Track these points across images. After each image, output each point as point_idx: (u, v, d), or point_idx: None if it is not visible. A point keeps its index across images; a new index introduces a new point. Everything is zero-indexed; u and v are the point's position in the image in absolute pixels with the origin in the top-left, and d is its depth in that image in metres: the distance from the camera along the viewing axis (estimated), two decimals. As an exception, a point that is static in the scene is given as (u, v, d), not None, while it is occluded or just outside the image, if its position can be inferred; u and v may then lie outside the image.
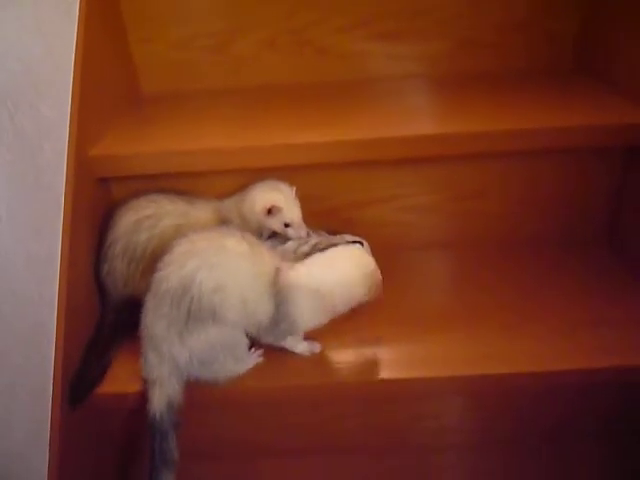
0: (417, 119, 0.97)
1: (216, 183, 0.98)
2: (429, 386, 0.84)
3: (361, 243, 0.91)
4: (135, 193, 0.92)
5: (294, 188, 0.92)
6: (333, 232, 0.95)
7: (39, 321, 0.76)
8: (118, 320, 0.88)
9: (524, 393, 0.94)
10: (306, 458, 0.98)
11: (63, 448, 0.76)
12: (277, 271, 0.78)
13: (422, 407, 0.96)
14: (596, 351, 0.82)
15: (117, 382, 0.83)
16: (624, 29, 0.97)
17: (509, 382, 0.83)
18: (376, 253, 0.89)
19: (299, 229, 0.91)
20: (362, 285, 0.76)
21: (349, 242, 0.89)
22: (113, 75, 1.05)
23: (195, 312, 0.73)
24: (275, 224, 0.91)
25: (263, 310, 0.77)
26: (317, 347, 0.85)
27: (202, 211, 0.93)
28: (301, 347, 0.84)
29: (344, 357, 0.85)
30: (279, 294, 0.77)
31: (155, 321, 0.75)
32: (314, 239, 0.92)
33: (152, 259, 0.86)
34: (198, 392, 0.80)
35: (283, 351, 0.83)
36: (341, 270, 0.77)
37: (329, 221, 1.01)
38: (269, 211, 0.90)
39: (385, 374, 0.82)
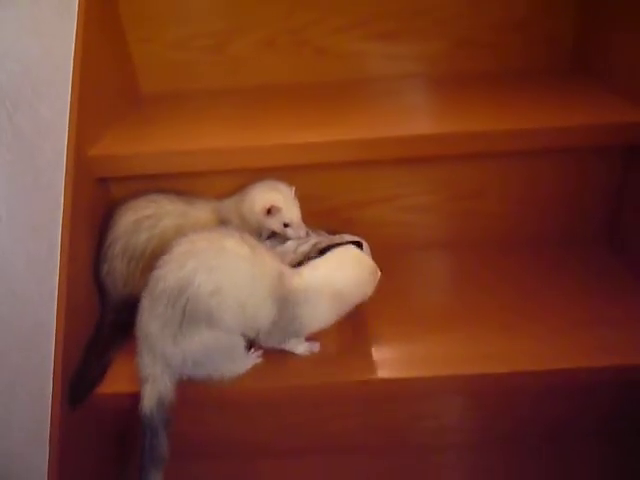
0: (416, 119, 0.97)
1: (215, 183, 0.98)
2: (429, 386, 0.84)
3: (360, 243, 0.91)
4: (135, 193, 0.92)
5: (293, 188, 0.92)
6: (332, 232, 0.95)
7: (39, 321, 0.76)
8: (118, 320, 0.88)
9: (524, 392, 0.94)
10: (306, 458, 0.98)
11: (63, 448, 0.76)
12: (281, 275, 0.77)
13: (422, 407, 0.96)
14: (596, 350, 0.82)
15: (117, 382, 0.83)
16: (622, 29, 0.97)
17: (509, 381, 0.82)
18: (376, 253, 0.89)
19: (298, 229, 0.91)
20: (368, 284, 0.79)
21: (348, 242, 0.89)
22: (112, 75, 1.06)
23: (190, 314, 0.73)
24: (274, 224, 0.91)
25: (265, 314, 0.77)
26: (316, 346, 0.85)
27: (202, 211, 0.93)
28: (302, 348, 0.84)
29: (344, 357, 0.85)
30: (287, 298, 0.76)
31: (150, 320, 0.75)
32: (313, 239, 0.92)
33: (152, 259, 0.86)
34: (198, 392, 0.80)
35: (282, 351, 0.83)
36: (349, 271, 0.79)
37: (329, 221, 1.01)
38: (268, 211, 0.90)
39: (385, 374, 0.82)
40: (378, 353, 0.85)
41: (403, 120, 0.96)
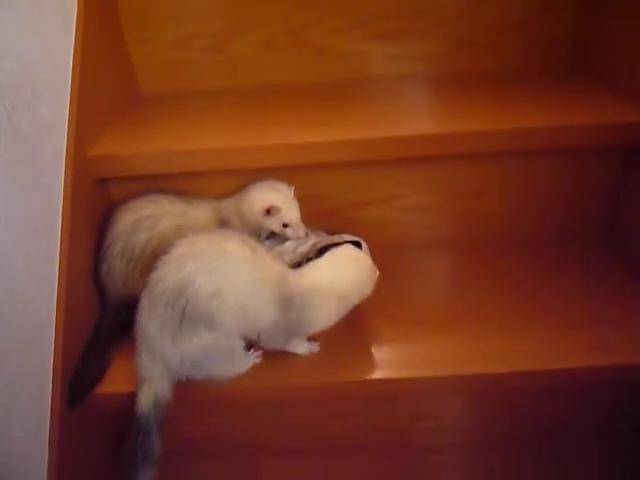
0: (416, 119, 0.97)
1: (215, 183, 0.98)
2: (429, 385, 0.84)
3: (359, 243, 0.91)
4: (134, 193, 0.92)
5: (293, 188, 0.92)
6: (332, 232, 0.95)
7: (38, 321, 0.76)
8: (117, 320, 0.88)
9: (524, 392, 0.94)
10: (306, 458, 0.98)
11: (62, 448, 0.76)
12: (283, 277, 0.78)
13: (422, 407, 0.96)
14: (596, 350, 0.82)
15: (116, 382, 0.83)
16: (622, 29, 0.97)
17: (509, 381, 0.82)
18: (375, 253, 0.89)
19: (297, 229, 0.91)
20: (367, 283, 0.80)
21: (348, 242, 0.89)
22: (111, 75, 1.06)
23: (189, 315, 0.73)
24: (274, 224, 0.91)
25: (267, 316, 0.77)
26: (316, 346, 0.85)
27: (201, 211, 0.93)
28: (303, 348, 0.85)
29: (344, 357, 0.85)
30: (291, 299, 0.77)
31: (149, 321, 0.75)
32: (313, 239, 0.92)
33: (151, 259, 0.86)
34: (198, 392, 0.80)
35: (282, 351, 0.83)
36: (349, 270, 0.80)
37: (328, 221, 1.01)
38: (268, 211, 0.90)
39: (385, 374, 0.82)
40: (378, 353, 0.85)
41: (403, 120, 0.96)
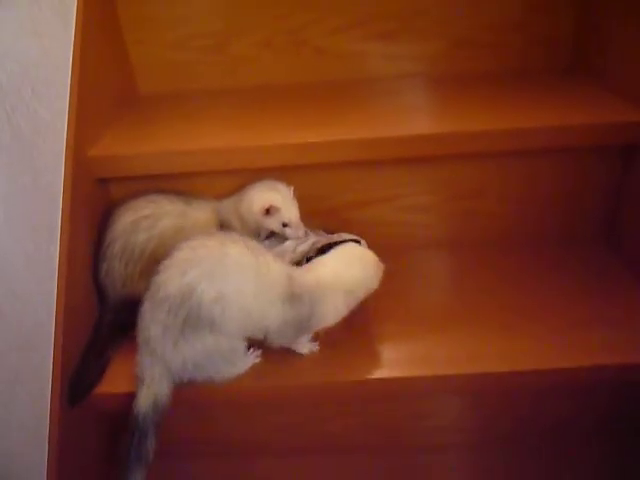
0: (415, 119, 0.98)
1: (215, 183, 0.98)
2: (429, 385, 0.84)
3: (359, 242, 0.91)
4: (134, 193, 0.92)
5: (292, 188, 0.92)
6: (331, 232, 0.95)
7: (38, 321, 0.76)
8: (117, 320, 0.88)
9: (524, 392, 0.94)
10: (306, 458, 0.98)
11: (62, 447, 0.77)
12: (289, 276, 0.78)
13: (422, 406, 0.96)
14: (596, 349, 0.82)
15: (116, 382, 0.83)
16: (621, 28, 0.97)
17: (509, 381, 0.82)
18: (375, 253, 0.88)
19: (297, 229, 0.91)
20: (374, 278, 0.81)
21: (347, 240, 0.89)
22: (110, 76, 1.06)
23: (193, 321, 0.73)
24: (273, 224, 0.91)
25: (274, 316, 0.77)
26: (316, 346, 0.86)
27: (201, 211, 0.93)
28: (307, 347, 0.85)
29: (344, 357, 0.85)
30: (300, 296, 0.77)
31: (151, 325, 0.74)
32: (312, 238, 0.92)
33: (151, 260, 0.87)
34: (197, 392, 0.80)
35: (282, 351, 0.83)
36: (356, 266, 0.81)
37: (328, 221, 1.01)
38: (267, 211, 0.90)
39: (385, 373, 0.82)
40: (378, 353, 0.85)
41: (403, 120, 0.96)
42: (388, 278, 0.82)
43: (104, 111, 1.00)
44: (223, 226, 0.93)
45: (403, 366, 0.83)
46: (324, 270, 0.80)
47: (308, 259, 0.87)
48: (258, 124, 0.98)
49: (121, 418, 0.76)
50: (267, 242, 0.94)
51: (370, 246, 0.92)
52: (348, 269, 0.80)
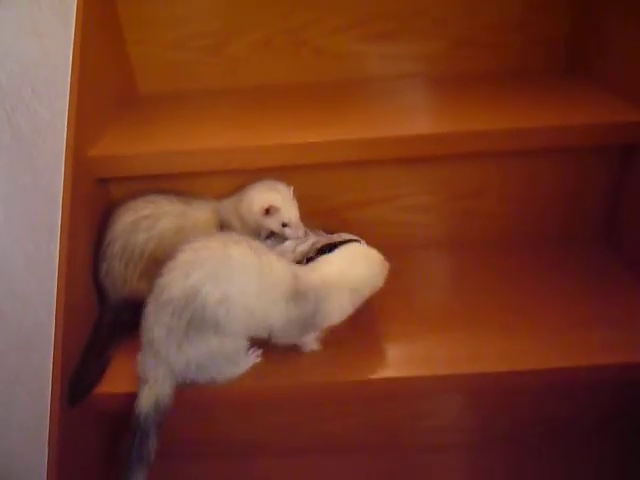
0: (415, 119, 0.98)
1: (215, 183, 0.98)
2: (429, 385, 0.84)
3: (359, 242, 0.91)
4: (134, 194, 0.92)
5: (292, 188, 0.92)
6: (330, 232, 0.95)
7: (38, 321, 0.76)
8: (116, 320, 0.88)
9: (524, 392, 0.94)
10: (306, 457, 0.98)
11: (62, 447, 0.77)
12: (294, 275, 0.78)
13: (422, 406, 0.96)
14: (596, 349, 0.82)
15: (116, 382, 0.83)
16: (620, 28, 0.97)
17: (509, 380, 0.83)
18: (376, 252, 0.89)
19: (297, 229, 0.91)
20: (379, 276, 0.82)
21: (347, 240, 0.89)
22: (110, 76, 1.06)
23: (197, 323, 0.73)
24: (273, 224, 0.91)
25: (278, 315, 0.77)
26: (317, 345, 0.86)
27: (201, 212, 0.93)
28: (312, 345, 0.85)
29: (344, 357, 0.85)
30: (305, 294, 0.77)
31: (155, 326, 0.74)
32: (312, 238, 0.92)
33: (150, 260, 0.87)
34: (197, 392, 0.80)
35: (282, 350, 0.83)
36: (361, 264, 0.82)
37: (328, 221, 1.01)
38: (267, 211, 0.90)
39: (385, 373, 0.82)
40: (378, 352, 0.85)
41: (402, 120, 0.96)
42: (388, 278, 0.83)
43: (104, 111, 1.00)
44: (223, 226, 0.93)
45: (403, 366, 0.83)
46: (330, 268, 0.81)
47: (308, 259, 0.87)
48: (258, 124, 0.98)
49: (121, 418, 0.76)
50: (267, 242, 0.93)
51: (370, 246, 0.92)
52: (354, 267, 0.81)
